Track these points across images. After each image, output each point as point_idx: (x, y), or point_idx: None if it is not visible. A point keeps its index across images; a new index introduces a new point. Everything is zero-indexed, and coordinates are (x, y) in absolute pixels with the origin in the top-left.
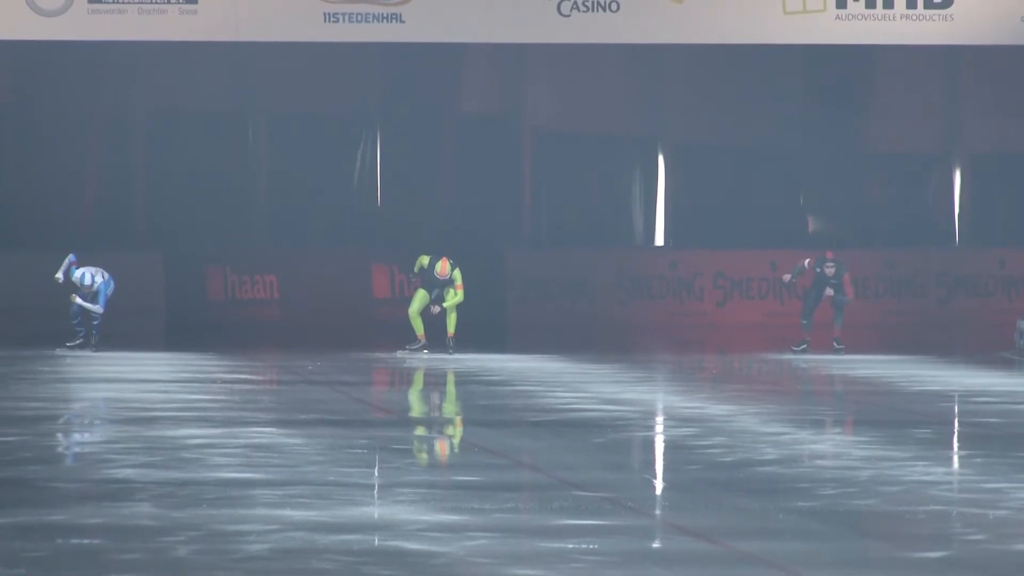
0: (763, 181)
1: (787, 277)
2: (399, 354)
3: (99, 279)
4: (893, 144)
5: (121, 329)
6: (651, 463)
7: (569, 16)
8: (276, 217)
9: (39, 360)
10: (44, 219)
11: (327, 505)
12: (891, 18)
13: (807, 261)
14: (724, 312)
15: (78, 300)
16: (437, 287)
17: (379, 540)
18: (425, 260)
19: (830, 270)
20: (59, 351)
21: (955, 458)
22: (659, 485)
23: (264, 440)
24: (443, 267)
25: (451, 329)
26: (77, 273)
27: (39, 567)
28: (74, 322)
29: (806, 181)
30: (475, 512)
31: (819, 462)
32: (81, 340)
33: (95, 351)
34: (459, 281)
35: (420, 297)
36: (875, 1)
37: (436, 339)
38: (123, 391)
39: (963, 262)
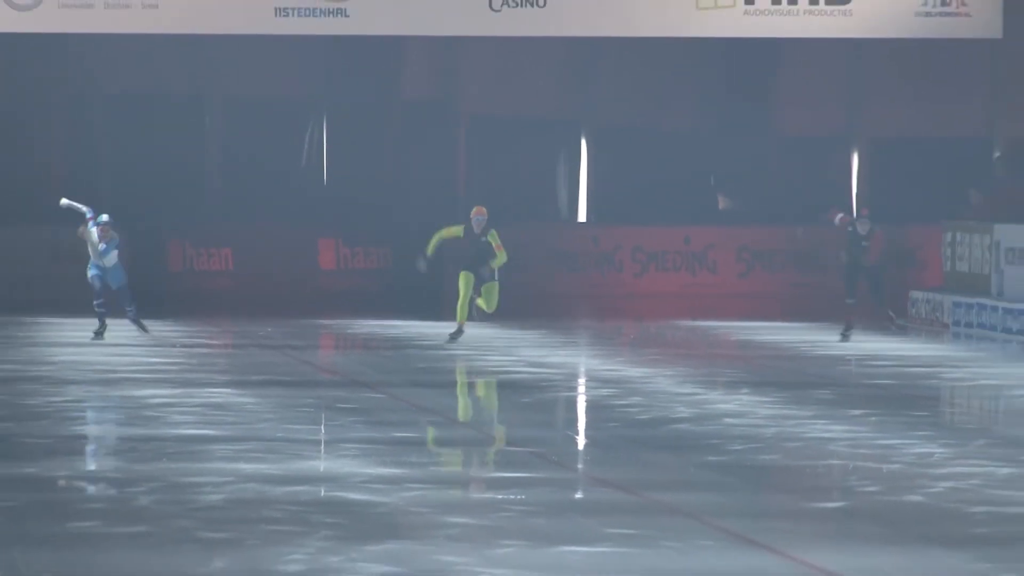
0: (677, 162)
1: (836, 218)
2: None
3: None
4: (797, 128)
5: (88, 298)
6: (574, 421)
7: (500, 11)
8: (230, 195)
9: (12, 326)
10: (15, 198)
11: (277, 459)
12: (795, 13)
13: (839, 217)
14: (641, 283)
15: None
16: (477, 248)
17: (325, 491)
18: (455, 230)
19: (864, 228)
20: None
21: (852, 417)
22: (581, 441)
23: (219, 399)
24: (479, 210)
25: (483, 306)
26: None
27: (12, 516)
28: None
29: (717, 162)
30: (412, 466)
31: (728, 420)
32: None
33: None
34: (497, 242)
35: (466, 280)
36: None
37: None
38: (90, 354)
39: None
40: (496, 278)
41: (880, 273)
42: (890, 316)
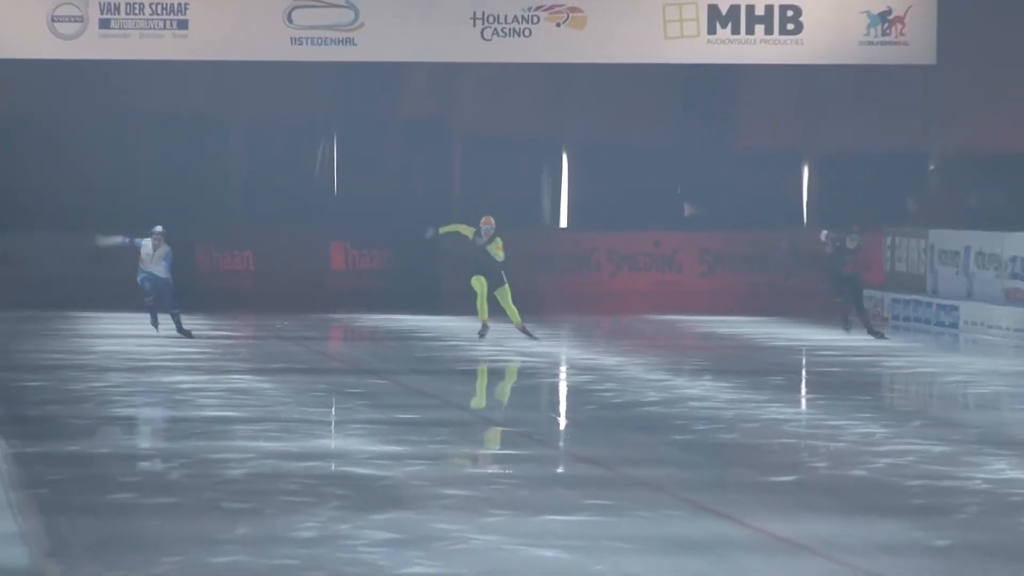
0: (647, 174)
1: (821, 235)
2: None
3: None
4: (754, 144)
5: (125, 295)
6: (556, 404)
7: (490, 40)
8: (251, 204)
9: (58, 320)
10: (61, 207)
11: (293, 438)
12: (753, 42)
13: (824, 233)
14: (615, 281)
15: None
16: (479, 255)
17: (335, 466)
18: (467, 230)
19: (853, 243)
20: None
21: (803, 400)
22: (562, 422)
23: (242, 385)
24: (487, 220)
25: (517, 320)
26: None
27: (58, 488)
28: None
29: (682, 174)
30: (413, 444)
31: (692, 403)
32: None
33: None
34: (499, 245)
35: (479, 283)
36: (739, 28)
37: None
38: (127, 345)
39: (809, 241)
40: (506, 280)
41: (861, 284)
42: (875, 333)
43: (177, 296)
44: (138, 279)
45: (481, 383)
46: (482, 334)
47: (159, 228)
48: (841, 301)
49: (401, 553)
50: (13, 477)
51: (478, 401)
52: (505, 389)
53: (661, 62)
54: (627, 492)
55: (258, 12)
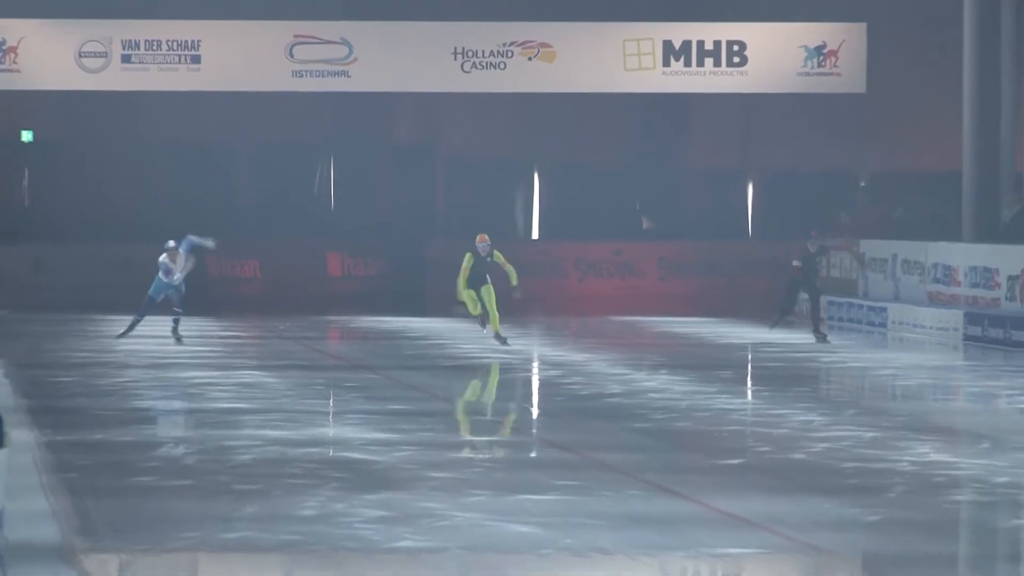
0: (610, 191)
1: (796, 263)
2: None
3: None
4: (704, 164)
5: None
6: (529, 395)
7: (470, 73)
8: (257, 217)
9: (86, 322)
10: (88, 221)
11: (296, 427)
12: (703, 73)
13: (795, 263)
14: (582, 287)
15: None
16: (485, 268)
17: (333, 452)
18: (467, 264)
19: (813, 247)
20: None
21: (749, 392)
22: (535, 411)
23: (250, 380)
24: (482, 238)
25: (495, 327)
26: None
27: (86, 472)
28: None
29: (641, 191)
30: (403, 432)
31: (651, 395)
32: (127, 328)
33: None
34: (503, 260)
35: (470, 298)
36: (691, 61)
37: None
38: (147, 345)
39: (754, 250)
40: (490, 280)
41: (818, 292)
42: (821, 333)
43: (185, 300)
44: (163, 296)
45: (463, 378)
46: (484, 324)
47: (172, 243)
48: (778, 319)
49: (392, 529)
50: (45, 462)
51: (460, 393)
52: (484, 383)
53: (621, 91)
54: (593, 474)
55: (263, 48)
